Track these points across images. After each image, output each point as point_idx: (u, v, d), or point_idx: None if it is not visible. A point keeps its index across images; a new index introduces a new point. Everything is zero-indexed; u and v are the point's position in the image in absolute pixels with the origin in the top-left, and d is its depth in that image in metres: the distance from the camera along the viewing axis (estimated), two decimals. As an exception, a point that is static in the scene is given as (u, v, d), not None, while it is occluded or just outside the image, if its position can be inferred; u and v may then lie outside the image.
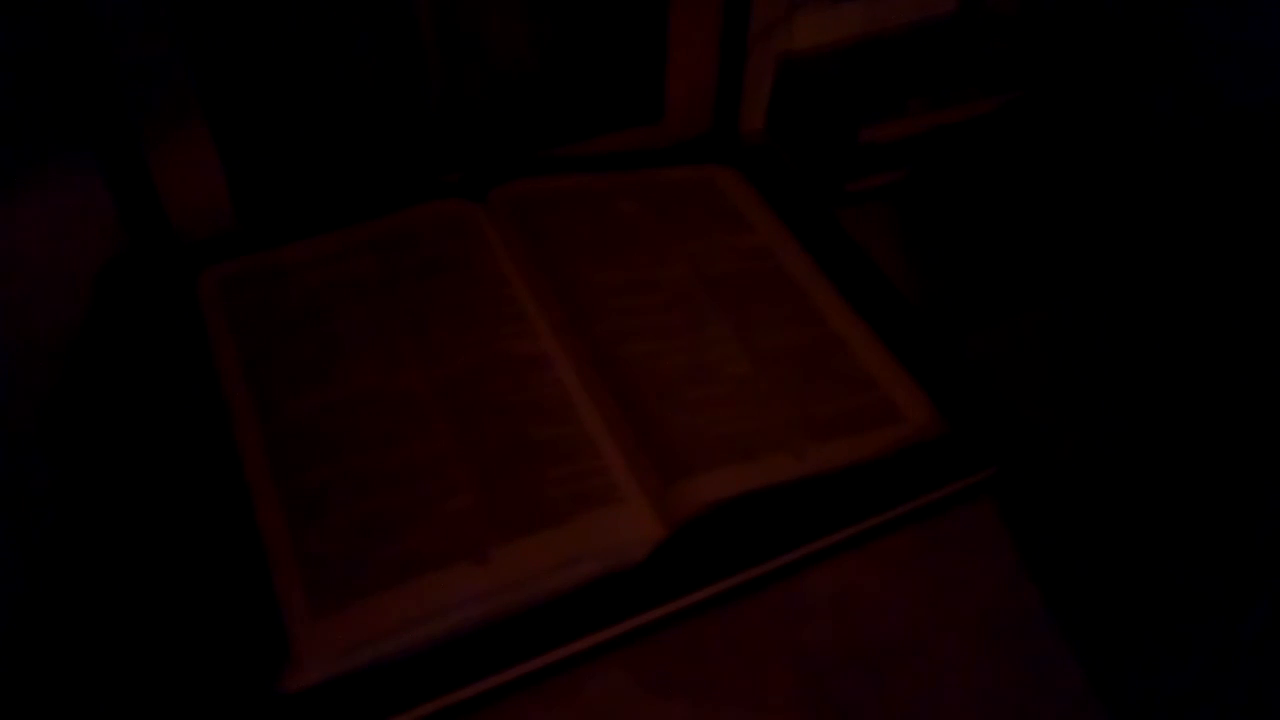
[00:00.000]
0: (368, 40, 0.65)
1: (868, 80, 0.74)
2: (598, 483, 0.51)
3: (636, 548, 0.50)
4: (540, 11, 0.68)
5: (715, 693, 0.49)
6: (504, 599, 0.47)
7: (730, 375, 0.57)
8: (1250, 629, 0.50)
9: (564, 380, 0.57)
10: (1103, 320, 0.66)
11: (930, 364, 0.60)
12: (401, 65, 0.66)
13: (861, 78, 0.74)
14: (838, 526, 0.53)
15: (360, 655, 0.45)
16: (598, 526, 0.50)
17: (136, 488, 0.53)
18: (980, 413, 0.58)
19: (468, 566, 0.47)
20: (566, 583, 0.48)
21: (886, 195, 0.76)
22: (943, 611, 0.53)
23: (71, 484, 0.56)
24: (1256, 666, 0.49)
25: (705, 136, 0.76)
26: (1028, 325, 0.65)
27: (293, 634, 0.45)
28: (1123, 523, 0.55)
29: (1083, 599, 0.53)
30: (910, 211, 0.74)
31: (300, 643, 0.45)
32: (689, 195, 0.69)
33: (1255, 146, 0.67)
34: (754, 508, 0.52)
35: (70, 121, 0.59)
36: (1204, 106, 0.70)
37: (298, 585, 0.47)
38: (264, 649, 0.45)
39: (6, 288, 0.58)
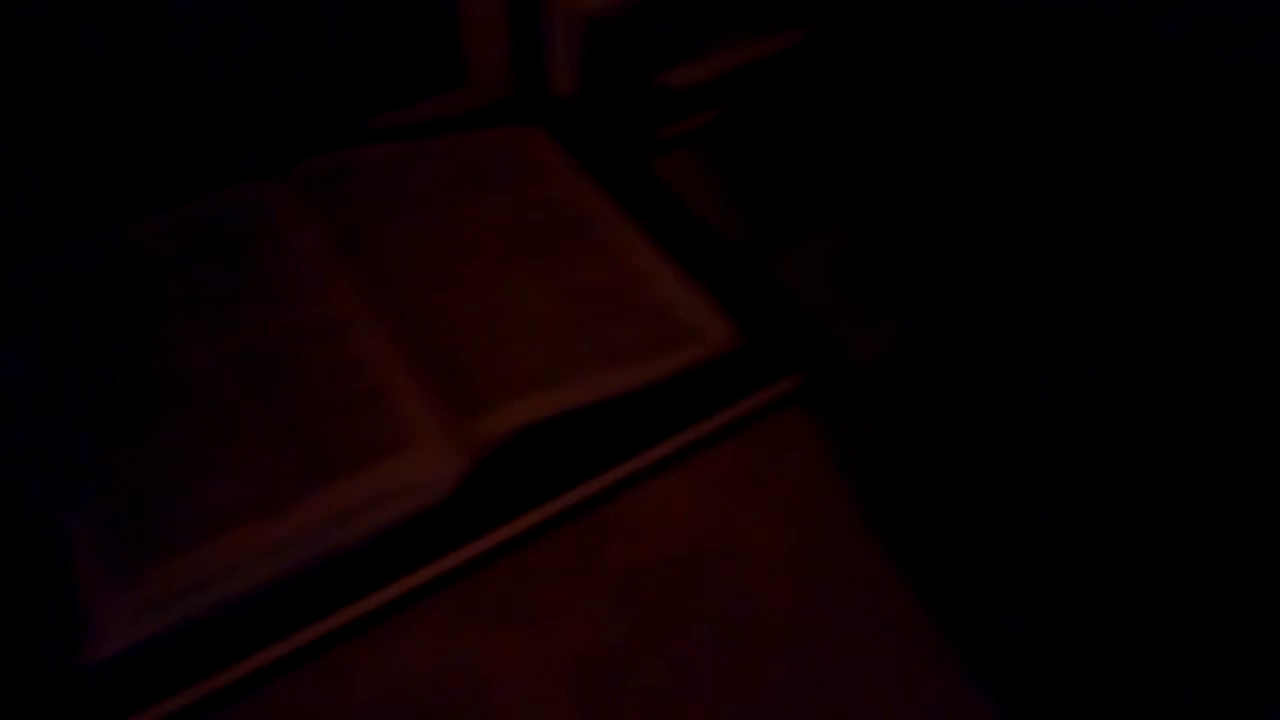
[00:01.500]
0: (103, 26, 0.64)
1: (663, 27, 0.76)
2: (393, 430, 0.52)
3: (438, 485, 0.51)
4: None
5: (539, 621, 0.50)
6: (307, 548, 0.48)
7: (530, 315, 0.59)
8: (1041, 517, 0.53)
9: (361, 340, 0.57)
10: (903, 231, 0.69)
11: (731, 286, 0.62)
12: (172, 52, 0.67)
13: (657, 25, 0.76)
14: (642, 446, 0.55)
15: (165, 617, 0.46)
16: (394, 469, 0.51)
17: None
18: (777, 326, 0.61)
19: (263, 519, 0.48)
20: (370, 527, 0.49)
21: (701, 138, 0.78)
22: (758, 516, 0.55)
23: None
24: (1051, 555, 0.52)
25: (512, 99, 0.78)
26: (833, 239, 0.68)
27: (88, 603, 0.46)
28: (926, 421, 0.58)
29: (893, 493, 0.55)
30: (723, 149, 0.76)
31: (97, 611, 0.45)
32: (491, 155, 0.70)
33: (1030, 57, 0.70)
34: (558, 436, 0.54)
35: None
36: (975, 19, 0.74)
37: (91, 554, 0.47)
38: (59, 622, 0.45)
39: None
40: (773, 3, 0.78)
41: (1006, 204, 0.69)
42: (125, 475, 0.51)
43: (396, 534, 0.50)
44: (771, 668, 0.48)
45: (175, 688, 0.45)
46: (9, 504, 0.50)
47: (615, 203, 0.68)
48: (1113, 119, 0.64)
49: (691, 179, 0.73)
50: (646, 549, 0.53)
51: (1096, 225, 0.65)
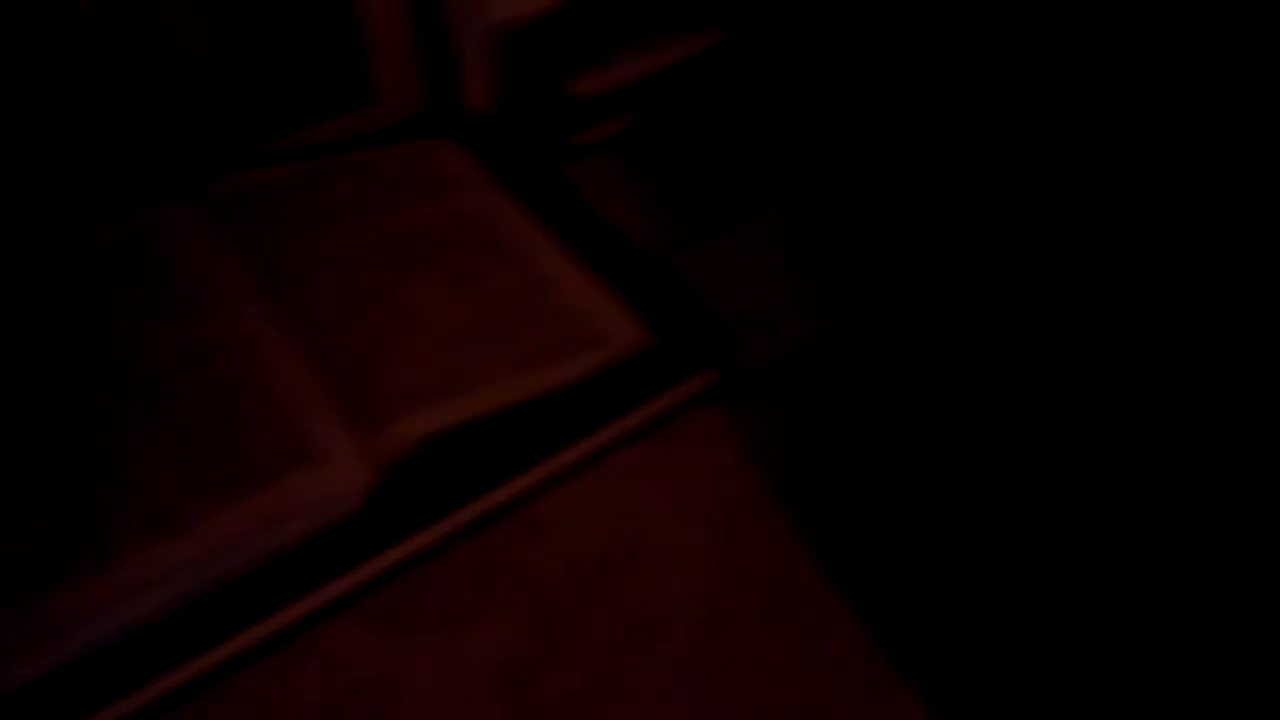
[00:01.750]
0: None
1: (570, 36, 0.77)
2: (301, 444, 0.52)
3: (347, 498, 0.51)
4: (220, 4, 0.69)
5: (456, 627, 0.50)
6: (214, 567, 0.48)
7: (439, 324, 0.59)
8: (951, 503, 0.54)
9: (269, 355, 0.57)
10: (807, 228, 0.70)
11: (642, 288, 0.63)
12: (73, 74, 0.66)
13: (567, 35, 0.77)
14: (556, 449, 0.55)
15: (70, 644, 0.45)
16: (303, 484, 0.51)
17: None
18: (687, 325, 0.62)
19: (170, 539, 0.48)
20: (279, 543, 0.49)
21: (613, 144, 0.79)
22: (673, 515, 0.55)
23: None
24: (965, 542, 0.53)
25: (424, 114, 0.78)
26: (740, 239, 0.69)
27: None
28: (836, 413, 0.59)
29: (806, 486, 0.56)
30: (635, 154, 0.77)
31: (4, 639, 0.45)
32: (401, 170, 0.71)
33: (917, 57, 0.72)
34: (469, 442, 0.54)
35: None
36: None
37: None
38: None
39: None
40: (677, 10, 0.80)
41: (906, 198, 0.71)
42: (26, 498, 0.50)
43: (307, 548, 0.50)
44: (689, 664, 0.49)
45: (80, 716, 0.45)
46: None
47: (527, 211, 0.69)
48: (1006, 100, 0.65)
49: (604, 184, 0.74)
50: (563, 550, 0.53)
51: (986, 215, 0.67)
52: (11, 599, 0.46)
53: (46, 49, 0.65)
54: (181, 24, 0.68)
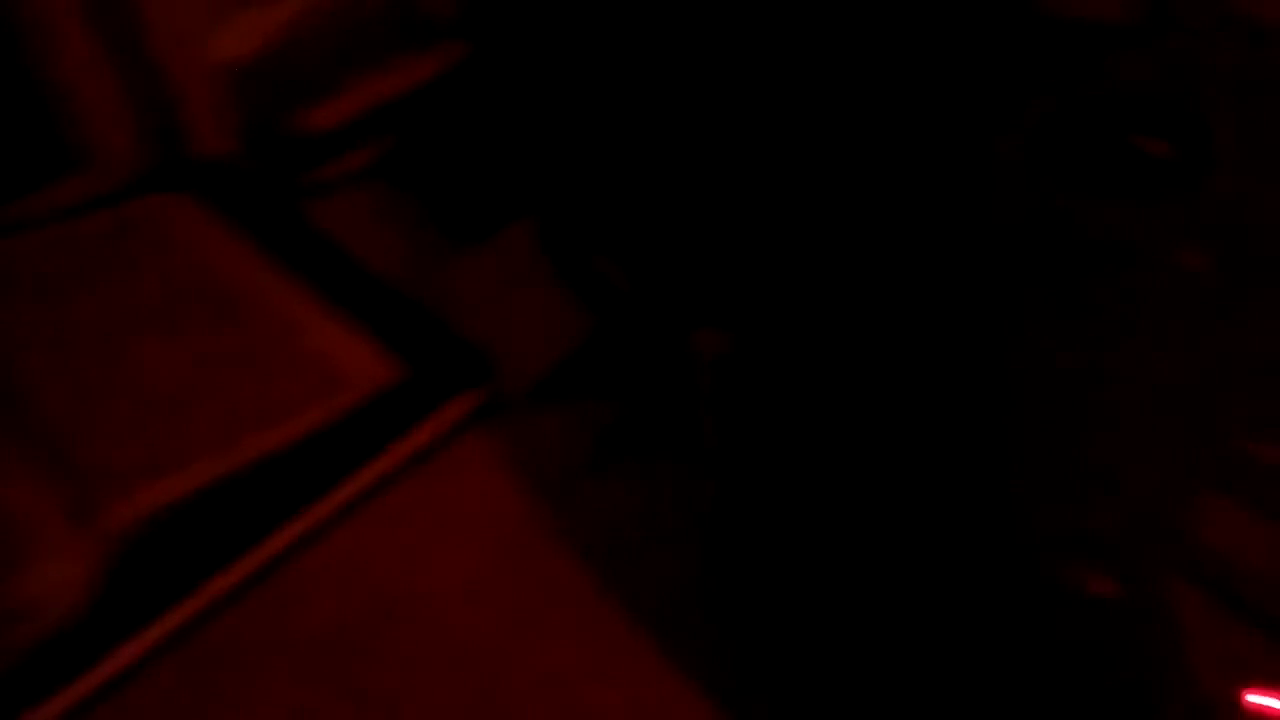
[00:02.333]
0: None
1: (302, 68, 0.74)
2: (9, 543, 0.48)
3: (68, 594, 0.47)
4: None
5: (215, 708, 0.47)
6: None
7: (166, 390, 0.56)
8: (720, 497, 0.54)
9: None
10: (554, 237, 0.69)
11: (393, 320, 0.61)
12: None
13: (287, 70, 0.74)
14: (313, 500, 0.53)
15: None
16: (15, 587, 0.47)
17: None
18: (442, 354, 0.60)
19: None
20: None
21: (358, 176, 0.75)
22: (446, 547, 0.53)
23: None
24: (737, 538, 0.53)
25: (160, 168, 0.73)
26: (487, 257, 0.67)
27: None
28: (604, 420, 0.59)
29: (580, 496, 0.55)
30: (381, 184, 0.75)
31: None
32: (126, 231, 0.67)
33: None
34: (211, 509, 0.51)
35: None
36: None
37: None
38: None
39: None
40: (403, 32, 0.78)
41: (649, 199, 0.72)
42: None
43: (28, 659, 0.46)
44: (471, 697, 0.47)
45: None
46: None
47: (268, 258, 0.66)
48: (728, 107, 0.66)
49: (357, 216, 0.71)
50: (332, 607, 0.51)
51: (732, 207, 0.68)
52: None
53: None
54: None
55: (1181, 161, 0.39)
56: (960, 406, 0.40)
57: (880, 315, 0.47)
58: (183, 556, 0.50)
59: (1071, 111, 0.43)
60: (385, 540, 0.54)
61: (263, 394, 0.56)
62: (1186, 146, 0.39)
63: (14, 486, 0.51)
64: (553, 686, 0.48)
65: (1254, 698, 0.29)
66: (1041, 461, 0.33)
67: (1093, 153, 0.40)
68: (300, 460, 0.54)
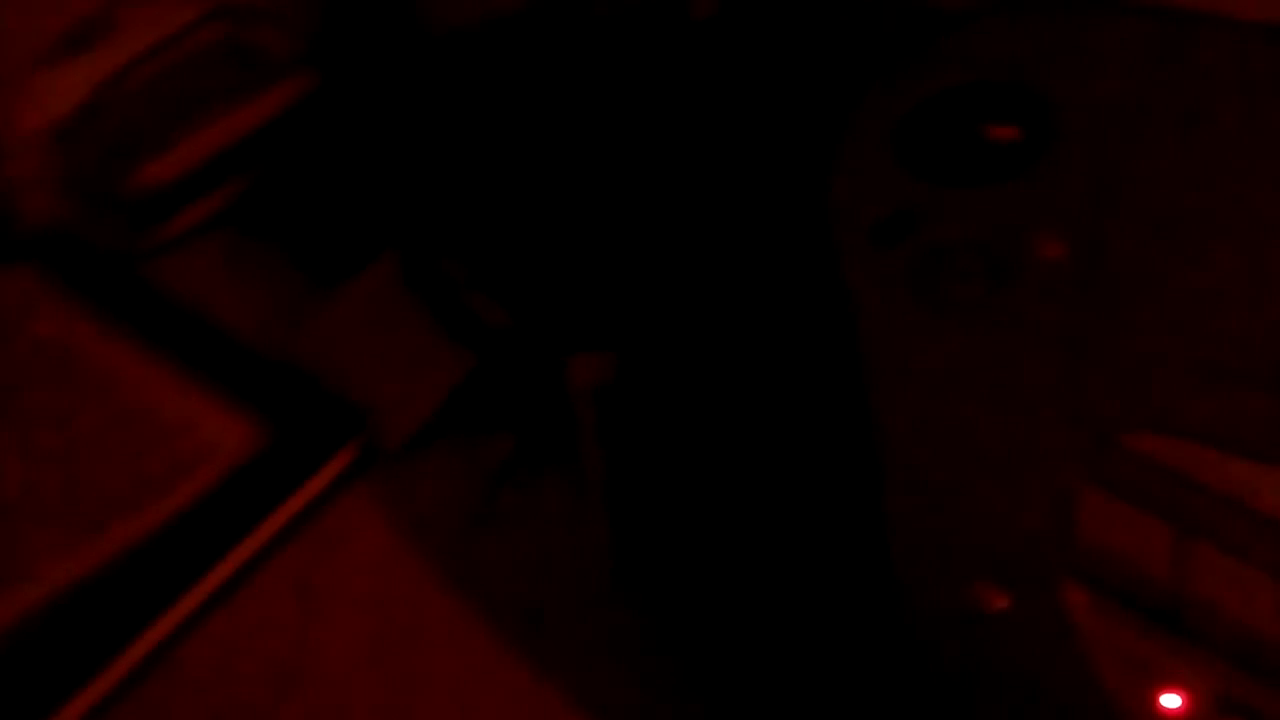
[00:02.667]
0: None
1: (127, 123, 0.70)
2: None
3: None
4: None
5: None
6: None
7: (6, 490, 0.52)
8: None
9: None
10: (418, 274, 0.67)
11: (251, 381, 0.58)
12: None
13: (121, 123, 0.70)
14: (185, 589, 0.50)
15: None
16: None
17: None
18: (303, 410, 0.57)
19: None
20: None
21: (220, 223, 0.72)
22: (336, 619, 0.51)
23: None
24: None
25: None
26: (350, 302, 0.65)
27: None
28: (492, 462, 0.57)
29: (477, 545, 0.53)
30: (248, 228, 0.71)
31: None
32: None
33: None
34: (68, 614, 0.48)
35: None
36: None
37: None
38: None
39: None
40: (240, 71, 0.75)
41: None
42: None
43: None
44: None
45: None
46: None
47: (116, 328, 0.62)
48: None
49: (201, 275, 0.68)
50: (224, 693, 0.48)
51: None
52: None
53: None
54: None
55: (1030, 146, 0.39)
56: (826, 420, 0.39)
57: (742, 323, 0.46)
58: (41, 674, 0.46)
59: (922, 104, 0.43)
60: (274, 615, 0.51)
61: (120, 480, 0.53)
62: (1034, 129, 0.40)
63: None
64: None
65: (1167, 699, 0.29)
66: (917, 476, 0.33)
67: (944, 145, 0.40)
68: (169, 546, 0.51)
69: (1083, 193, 0.37)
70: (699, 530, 0.48)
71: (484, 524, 0.55)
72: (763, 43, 0.52)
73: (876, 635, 0.38)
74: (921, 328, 0.35)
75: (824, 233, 0.41)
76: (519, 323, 0.62)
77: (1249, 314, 0.32)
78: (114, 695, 0.47)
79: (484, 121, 0.66)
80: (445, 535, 0.54)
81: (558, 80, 0.62)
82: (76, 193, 0.70)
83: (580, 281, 0.61)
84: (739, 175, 0.50)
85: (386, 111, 0.72)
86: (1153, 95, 0.38)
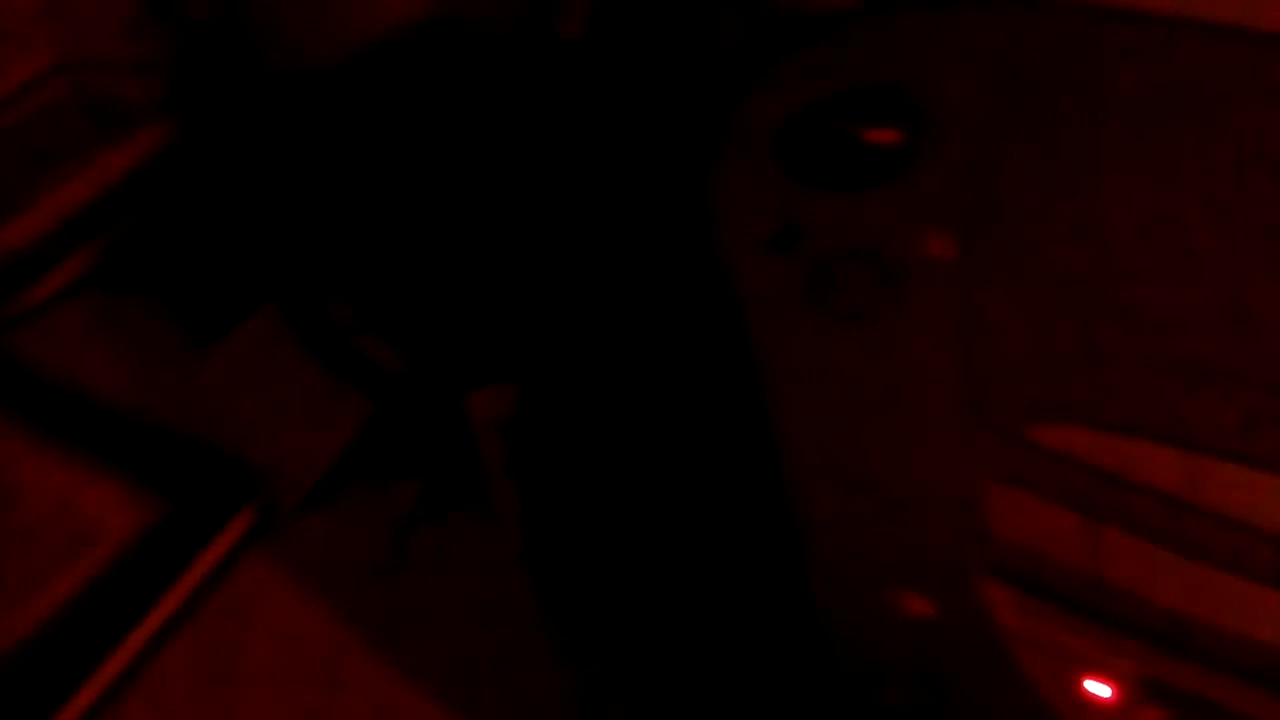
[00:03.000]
0: None
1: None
2: None
3: None
4: None
5: None
6: None
7: None
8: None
9: None
10: (306, 319, 0.65)
11: (135, 451, 0.55)
12: None
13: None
14: (79, 678, 0.46)
15: None
16: None
17: None
18: (193, 477, 0.54)
19: None
20: None
21: (87, 284, 0.69)
22: (240, 701, 0.48)
23: None
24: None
25: None
26: (250, 343, 0.62)
27: None
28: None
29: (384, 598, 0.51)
30: (118, 285, 0.67)
31: None
32: None
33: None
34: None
35: None
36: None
37: None
38: None
39: None
40: (95, 123, 0.71)
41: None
42: None
43: None
44: None
45: None
46: None
47: (-22, 407, 0.58)
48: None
49: (68, 342, 0.64)
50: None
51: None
52: None
53: None
54: None
55: (911, 146, 0.39)
56: (729, 432, 0.39)
57: (638, 341, 0.46)
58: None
59: (800, 110, 0.42)
60: (181, 695, 0.48)
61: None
62: (915, 130, 0.40)
63: None
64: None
65: (1092, 685, 0.29)
66: (824, 488, 0.33)
67: (825, 151, 0.40)
68: (59, 637, 0.47)
69: (965, 190, 0.37)
70: (617, 551, 0.47)
71: (394, 574, 0.53)
72: (632, 59, 0.52)
73: (800, 646, 0.38)
74: (817, 337, 0.35)
75: (712, 247, 0.41)
76: (412, 362, 0.60)
77: (1144, 294, 0.32)
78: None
79: (356, 155, 0.64)
80: (356, 593, 0.51)
81: (430, 107, 0.61)
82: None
83: (470, 313, 0.60)
84: (621, 193, 0.50)
85: (252, 154, 0.70)
86: (1026, 90, 0.38)
